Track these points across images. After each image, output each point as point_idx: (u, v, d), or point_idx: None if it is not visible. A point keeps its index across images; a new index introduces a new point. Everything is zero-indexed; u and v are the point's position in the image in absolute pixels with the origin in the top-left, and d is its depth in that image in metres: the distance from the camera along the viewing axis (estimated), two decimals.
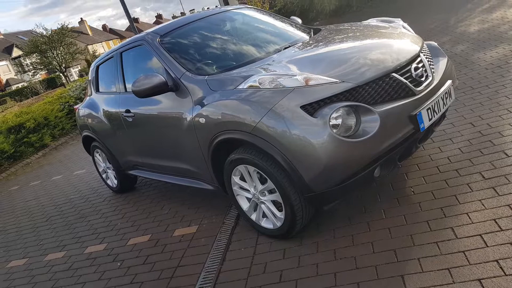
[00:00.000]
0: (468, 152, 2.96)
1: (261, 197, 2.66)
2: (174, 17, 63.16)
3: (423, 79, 2.49)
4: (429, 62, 2.66)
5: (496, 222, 2.16)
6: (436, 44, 2.99)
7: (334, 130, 2.16)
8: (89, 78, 4.54)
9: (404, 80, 2.39)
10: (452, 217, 2.33)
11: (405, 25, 3.14)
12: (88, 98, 4.57)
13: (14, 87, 43.68)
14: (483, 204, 2.34)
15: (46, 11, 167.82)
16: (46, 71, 42.36)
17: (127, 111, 3.60)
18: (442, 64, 2.79)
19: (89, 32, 65.40)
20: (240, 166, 2.63)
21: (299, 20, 4.01)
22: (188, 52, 3.15)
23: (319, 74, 2.37)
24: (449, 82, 2.66)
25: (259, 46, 3.21)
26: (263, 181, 2.58)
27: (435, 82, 2.55)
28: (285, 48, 3.06)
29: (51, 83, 37.90)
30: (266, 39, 3.38)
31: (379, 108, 2.26)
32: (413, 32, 3.05)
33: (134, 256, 3.17)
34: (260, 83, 2.43)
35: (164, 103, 3.12)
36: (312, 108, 2.24)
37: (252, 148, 2.49)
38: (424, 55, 2.68)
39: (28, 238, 4.33)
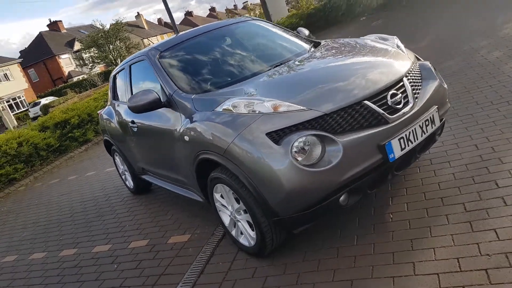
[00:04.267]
0: (461, 179, 2.84)
1: (237, 216, 2.76)
2: (227, 10, 63.85)
3: (400, 106, 2.43)
4: (413, 87, 2.59)
5: (458, 262, 2.09)
6: (430, 65, 2.88)
7: (297, 159, 2.20)
8: (110, 86, 4.85)
9: (377, 108, 2.36)
10: (418, 250, 2.28)
11: (399, 43, 3.04)
12: (108, 104, 4.89)
13: (75, 79, 46.83)
14: (453, 240, 2.26)
15: (106, 4, 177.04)
16: (104, 64, 44.91)
17: (132, 121, 3.83)
18: (430, 88, 2.69)
19: (145, 26, 68.21)
20: (219, 184, 2.74)
21: (306, 32, 3.99)
22: (181, 70, 3.29)
23: (292, 99, 2.40)
24: (433, 108, 2.57)
25: (252, 63, 3.27)
26: (238, 200, 2.67)
27: (415, 109, 2.48)
28: (276, 66, 3.10)
29: (108, 76, 40.19)
30: (261, 55, 3.43)
31: (345, 137, 2.26)
32: (405, 51, 2.95)
33: (130, 259, 3.40)
34: (234, 107, 2.50)
35: (160, 117, 3.29)
36: (277, 135, 2.28)
37: (226, 169, 2.58)
38: (410, 78, 2.61)
39: (52, 232, 4.75)
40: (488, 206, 2.44)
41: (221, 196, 2.84)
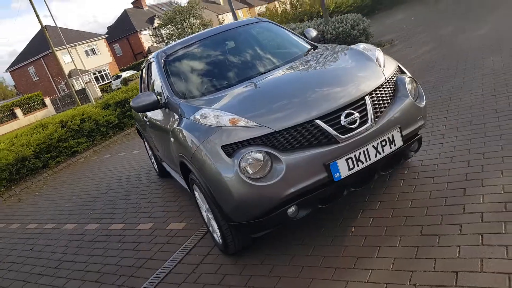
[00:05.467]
0: (434, 198, 2.76)
1: (208, 214, 2.99)
2: None
3: (355, 125, 2.43)
4: (376, 106, 2.55)
5: (385, 287, 2.12)
6: (406, 80, 2.76)
7: (245, 172, 2.35)
8: (140, 78, 5.27)
9: (328, 128, 2.39)
10: (357, 270, 2.33)
11: (380, 56, 2.92)
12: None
13: None
14: (393, 264, 2.28)
15: None
16: None
17: (146, 115, 4.19)
18: (397, 106, 2.61)
19: (221, 2, 69.31)
20: (194, 185, 2.99)
21: (313, 34, 3.96)
22: (178, 75, 3.52)
23: (250, 114, 2.52)
24: (395, 128, 2.52)
25: (239, 71, 3.39)
26: None
27: (372, 129, 2.46)
28: (259, 74, 3.20)
29: None
30: (251, 63, 3.52)
31: (290, 155, 2.35)
32: (382, 66, 2.83)
33: (132, 240, 3.83)
34: (204, 117, 2.69)
35: (162, 116, 3.60)
36: (231, 149, 2.44)
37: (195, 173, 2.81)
38: (375, 97, 2.57)
39: (87, 206, 5.41)
40: (443, 232, 2.38)
41: (198, 194, 3.08)
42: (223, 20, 57.29)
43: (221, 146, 2.45)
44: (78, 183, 6.89)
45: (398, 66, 2.96)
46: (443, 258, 2.18)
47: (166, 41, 43.33)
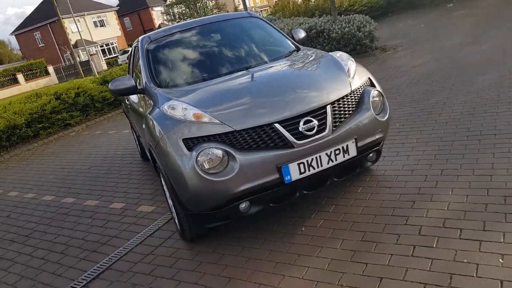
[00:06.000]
0: (384, 208, 2.91)
1: (170, 201, 3.13)
2: None
3: (312, 132, 2.55)
4: (337, 116, 2.67)
5: None
6: (373, 93, 2.87)
7: (201, 167, 2.48)
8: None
9: (285, 133, 2.52)
10: (294, 266, 2.48)
11: (351, 67, 3.01)
12: None
13: None
14: (328, 264, 2.43)
15: None
16: None
17: (127, 98, 4.32)
18: (357, 118, 2.73)
19: None
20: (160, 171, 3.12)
21: (301, 35, 4.03)
22: (158, 63, 3.62)
23: (215, 110, 2.65)
24: (351, 139, 2.64)
25: (217, 66, 3.50)
26: None
27: (328, 137, 2.58)
28: (236, 71, 3.31)
29: None
30: (231, 58, 3.62)
31: (246, 155, 2.48)
32: (352, 76, 2.92)
33: (102, 217, 3.98)
34: (172, 108, 2.80)
35: (139, 101, 3.72)
36: (192, 143, 2.56)
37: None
38: (336, 107, 2.69)
39: (69, 179, 5.56)
40: (381, 240, 2.53)
41: None
42: (239, 5, 56.72)
43: (183, 139, 2.58)
44: (65, 157, 7.04)
45: (369, 78, 3.06)
46: (374, 264, 2.33)
47: (178, 20, 43.07)
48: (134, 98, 4.00)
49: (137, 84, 3.51)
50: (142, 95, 3.59)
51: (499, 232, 2.34)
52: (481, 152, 3.37)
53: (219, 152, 2.48)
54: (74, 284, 2.91)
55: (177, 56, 3.68)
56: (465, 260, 2.18)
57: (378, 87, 3.00)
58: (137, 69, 4.04)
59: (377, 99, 2.88)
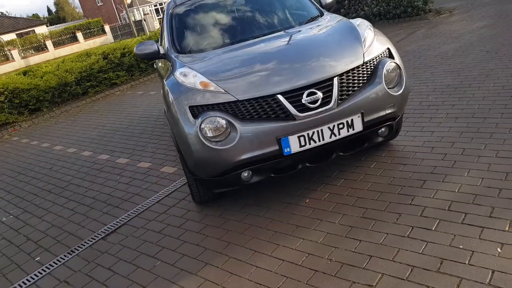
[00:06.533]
0: (392, 185, 2.83)
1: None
2: None
3: (315, 105, 2.50)
4: (344, 89, 2.58)
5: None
6: (388, 65, 2.70)
7: (204, 134, 2.55)
8: None
9: (287, 104, 2.49)
10: (290, 236, 2.53)
11: (368, 34, 2.84)
12: None
13: None
14: (323, 238, 2.44)
15: None
16: None
17: (156, 63, 4.43)
18: (366, 92, 2.61)
19: None
20: None
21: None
22: (180, 28, 3.65)
23: (222, 78, 2.67)
24: (357, 113, 2.54)
25: (236, 32, 3.47)
26: None
27: (333, 111, 2.51)
28: (255, 37, 3.27)
29: None
30: (252, 24, 3.56)
31: (247, 125, 2.49)
32: (367, 47, 2.76)
33: (129, 175, 4.24)
34: (184, 75, 2.86)
35: (161, 65, 3.82)
36: (197, 110, 2.62)
37: None
38: (344, 79, 2.59)
39: (107, 137, 5.91)
40: (381, 218, 2.49)
41: None
42: None
43: (189, 107, 2.64)
44: (107, 115, 7.44)
45: (388, 48, 2.88)
46: (367, 242, 2.31)
47: None
48: (160, 62, 4.10)
49: (161, 49, 3.59)
50: (164, 59, 3.67)
51: (506, 220, 2.21)
52: (511, 132, 3.12)
53: (221, 121, 2.51)
54: (94, 236, 3.19)
55: (197, 21, 3.68)
56: (461, 246, 2.10)
57: (396, 59, 2.82)
58: (161, 33, 4.10)
59: (392, 71, 2.73)
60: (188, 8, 3.78)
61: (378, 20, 9.47)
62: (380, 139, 2.86)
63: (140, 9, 34.76)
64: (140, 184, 3.97)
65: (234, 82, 2.63)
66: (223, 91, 2.58)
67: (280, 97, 2.50)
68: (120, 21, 44.29)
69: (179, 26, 3.67)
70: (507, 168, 2.68)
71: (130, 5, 41.50)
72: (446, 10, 9.11)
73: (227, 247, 2.60)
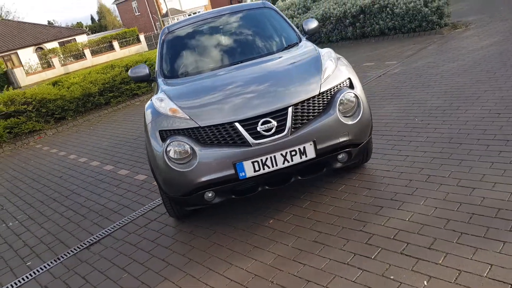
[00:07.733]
0: (350, 210, 2.93)
1: None
2: None
3: (270, 133, 2.66)
4: (298, 118, 2.72)
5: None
6: (345, 96, 2.82)
7: (169, 157, 2.77)
8: None
9: (243, 132, 2.67)
10: (245, 256, 2.68)
11: (329, 67, 2.97)
12: None
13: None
14: (273, 259, 2.59)
15: None
16: None
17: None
18: (320, 121, 2.74)
19: None
20: None
21: (312, 25, 3.98)
22: (168, 53, 3.92)
23: (189, 105, 2.90)
24: (309, 141, 2.67)
25: (216, 59, 3.69)
26: None
27: (286, 139, 2.66)
28: (232, 64, 3.48)
29: None
30: (235, 50, 3.76)
31: (206, 150, 2.69)
32: (324, 78, 2.89)
33: (126, 187, 4.52)
34: (160, 100, 3.11)
35: (154, 85, 4.11)
36: (166, 134, 2.86)
37: None
38: (299, 109, 2.74)
39: (116, 148, 6.28)
40: (330, 244, 2.60)
41: None
42: None
43: (159, 130, 2.88)
44: (123, 125, 7.86)
45: (349, 79, 2.99)
46: (310, 266, 2.44)
47: None
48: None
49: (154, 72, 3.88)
50: (155, 82, 3.94)
51: (442, 252, 2.27)
52: (480, 160, 3.14)
53: (184, 146, 2.73)
54: (80, 245, 3.47)
55: (181, 48, 3.94)
56: (392, 277, 2.19)
57: (357, 89, 2.93)
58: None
59: (349, 102, 2.84)
60: (176, 35, 4.04)
61: (393, 34, 9.43)
62: (339, 164, 2.95)
63: (175, 18, 35.95)
64: (132, 196, 4.25)
65: (198, 109, 2.85)
66: (188, 117, 2.80)
67: (237, 124, 2.68)
68: (156, 30, 45.90)
69: (167, 51, 3.94)
70: (462, 198, 2.72)
71: (165, 15, 42.94)
72: (462, 24, 8.93)
73: (188, 264, 2.80)
